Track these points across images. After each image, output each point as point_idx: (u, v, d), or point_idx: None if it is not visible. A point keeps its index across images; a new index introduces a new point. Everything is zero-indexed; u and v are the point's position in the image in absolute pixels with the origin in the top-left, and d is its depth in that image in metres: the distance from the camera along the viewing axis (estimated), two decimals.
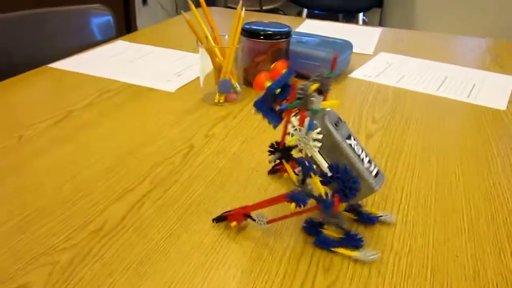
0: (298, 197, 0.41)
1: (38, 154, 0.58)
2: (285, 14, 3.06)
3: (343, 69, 0.90)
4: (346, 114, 0.72)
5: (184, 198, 0.50)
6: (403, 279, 0.40)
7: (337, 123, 0.41)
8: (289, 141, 0.42)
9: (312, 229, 0.45)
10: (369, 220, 0.47)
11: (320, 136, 0.40)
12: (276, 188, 0.53)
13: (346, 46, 0.89)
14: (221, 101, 0.74)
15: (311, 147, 0.40)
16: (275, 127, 0.43)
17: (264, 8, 2.85)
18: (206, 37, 0.73)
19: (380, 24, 2.99)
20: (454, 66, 0.98)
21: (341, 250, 0.43)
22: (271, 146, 0.43)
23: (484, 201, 0.52)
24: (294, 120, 0.41)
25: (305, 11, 2.36)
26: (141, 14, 2.89)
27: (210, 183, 0.53)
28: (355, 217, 0.48)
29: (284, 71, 0.43)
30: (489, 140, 0.66)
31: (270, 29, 0.78)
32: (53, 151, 0.59)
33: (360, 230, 0.46)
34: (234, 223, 0.45)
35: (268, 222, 0.45)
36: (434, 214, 0.49)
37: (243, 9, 0.74)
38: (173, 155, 0.59)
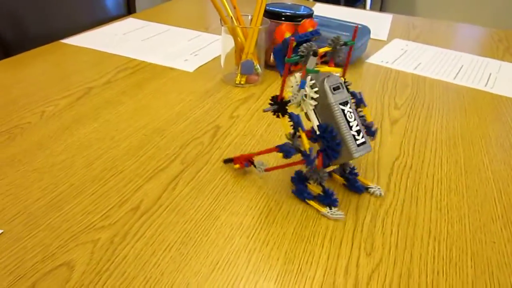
0: (285, 148, 0.46)
1: (63, 130, 0.57)
2: None
3: (360, 54, 0.90)
4: (368, 100, 0.72)
5: (218, 179, 0.50)
6: (445, 264, 0.41)
7: (336, 87, 0.43)
8: (286, 94, 0.45)
9: (298, 180, 0.47)
10: (355, 188, 0.49)
11: (316, 96, 0.43)
12: None
13: (364, 31, 0.88)
14: (242, 82, 0.73)
15: (307, 104, 0.44)
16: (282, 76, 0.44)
17: None
18: (231, 17, 0.72)
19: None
20: (468, 55, 0.98)
21: (312, 203, 0.46)
22: (271, 98, 0.46)
23: None
24: (297, 76, 0.44)
25: None
26: None
27: None
28: (345, 183, 0.50)
29: (310, 29, 0.45)
30: (511, 130, 0.67)
31: (292, 11, 0.77)
32: (78, 128, 0.57)
33: (396, 214, 0.46)
34: (237, 166, 0.50)
35: (266, 170, 0.50)
36: (467, 200, 0.50)
37: None
38: (200, 135, 0.58)
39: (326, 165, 0.45)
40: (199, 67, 0.79)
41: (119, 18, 1.04)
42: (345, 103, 0.43)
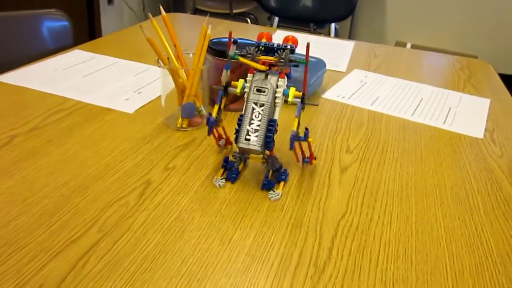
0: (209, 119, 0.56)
1: None
2: (255, 18, 3.00)
3: (316, 89, 0.86)
4: (319, 142, 0.67)
5: (137, 251, 0.44)
6: None
7: (260, 90, 0.52)
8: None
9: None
10: (263, 184, 0.55)
11: (247, 90, 0.53)
12: (242, 235, 0.47)
13: (319, 65, 0.84)
14: (184, 125, 0.68)
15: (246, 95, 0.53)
16: None
17: (234, 11, 2.79)
18: (168, 57, 0.67)
19: (351, 33, 2.99)
20: (428, 87, 0.95)
21: (220, 171, 0.57)
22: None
23: (468, 251, 0.48)
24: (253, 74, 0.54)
25: (276, 19, 2.31)
26: (107, 13, 2.77)
27: (167, 230, 0.47)
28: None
29: (289, 43, 0.53)
30: (468, 175, 0.63)
31: (239, 48, 0.72)
32: None
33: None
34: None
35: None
36: (415, 268, 0.45)
37: (210, 26, 0.68)
38: (127, 193, 0.52)
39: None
40: (140, 107, 0.74)
41: (65, 50, 0.97)
42: (260, 105, 0.51)
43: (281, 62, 0.51)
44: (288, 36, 0.54)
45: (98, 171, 0.56)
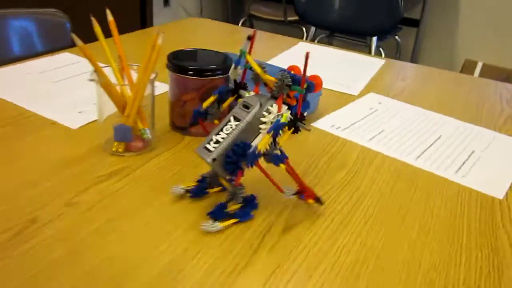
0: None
1: None
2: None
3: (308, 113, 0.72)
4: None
5: None
6: None
7: (245, 106, 0.47)
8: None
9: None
10: (211, 211, 0.47)
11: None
12: None
13: (312, 88, 0.70)
14: (119, 150, 0.58)
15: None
16: None
17: (289, 19, 2.67)
18: (96, 71, 0.57)
19: (414, 49, 2.74)
20: (455, 121, 0.77)
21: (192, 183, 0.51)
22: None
23: None
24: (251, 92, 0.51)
25: (312, 29, 2.15)
26: (161, 15, 2.78)
27: None
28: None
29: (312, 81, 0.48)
30: (459, 253, 0.46)
31: (204, 62, 0.62)
32: None
33: None
34: None
35: None
36: None
37: (161, 36, 0.57)
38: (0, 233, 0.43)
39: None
40: (87, 123, 0.65)
41: (59, 51, 0.92)
42: (237, 119, 0.47)
43: (277, 84, 0.46)
44: (314, 77, 0.50)
45: None
